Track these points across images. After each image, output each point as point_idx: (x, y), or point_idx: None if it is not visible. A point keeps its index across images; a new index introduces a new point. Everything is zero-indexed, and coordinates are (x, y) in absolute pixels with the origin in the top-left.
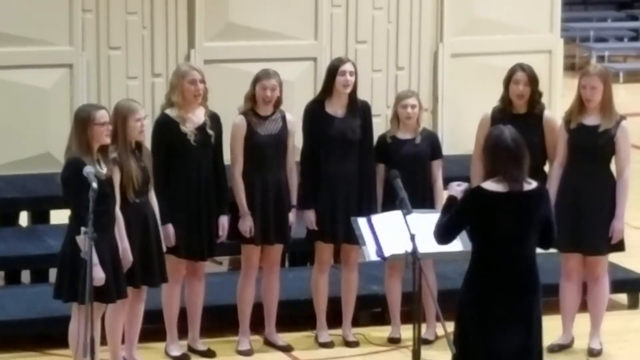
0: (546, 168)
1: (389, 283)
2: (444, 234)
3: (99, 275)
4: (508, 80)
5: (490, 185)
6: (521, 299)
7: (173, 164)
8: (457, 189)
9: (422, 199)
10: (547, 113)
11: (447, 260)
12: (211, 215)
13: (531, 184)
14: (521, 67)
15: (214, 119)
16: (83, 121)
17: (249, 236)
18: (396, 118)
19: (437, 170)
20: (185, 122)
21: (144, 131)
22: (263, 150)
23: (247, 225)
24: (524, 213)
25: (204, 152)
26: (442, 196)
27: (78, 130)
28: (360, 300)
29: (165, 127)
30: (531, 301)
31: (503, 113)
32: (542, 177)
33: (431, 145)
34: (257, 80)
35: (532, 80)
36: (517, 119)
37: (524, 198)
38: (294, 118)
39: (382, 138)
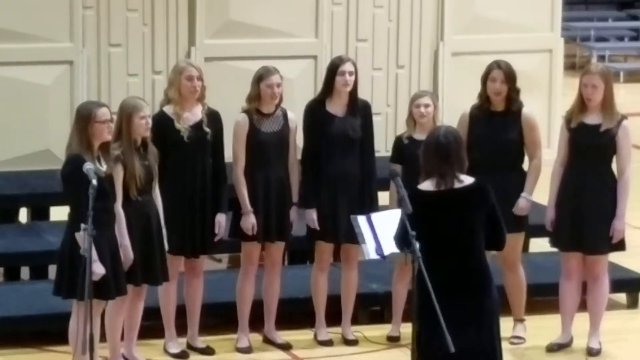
0: (525, 166)
1: (397, 283)
2: (400, 239)
3: (99, 270)
4: (485, 77)
5: (425, 185)
6: (467, 299)
7: (167, 160)
8: None
9: None
10: (525, 110)
11: None
12: (206, 213)
13: (465, 182)
14: (498, 64)
15: (213, 117)
16: (84, 118)
17: (251, 234)
18: (412, 118)
19: None
20: (180, 119)
21: (149, 128)
22: (266, 147)
23: (249, 223)
24: (459, 211)
25: (199, 150)
26: None
27: (79, 127)
28: (359, 299)
29: (160, 124)
30: (480, 302)
31: (481, 110)
32: (520, 175)
33: None
34: (260, 79)
35: (509, 77)
36: (495, 116)
37: (457, 196)
38: (295, 116)
39: (399, 139)
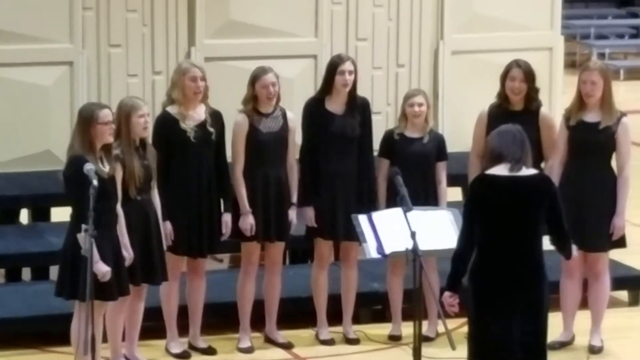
0: (542, 165)
1: (391, 280)
2: (464, 230)
3: (103, 269)
4: (504, 76)
5: (493, 171)
6: (524, 289)
7: (173, 161)
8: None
9: (425, 199)
10: (543, 110)
11: (448, 257)
12: (212, 213)
13: (531, 171)
14: (517, 63)
15: (215, 117)
16: (86, 120)
17: (249, 234)
18: (404, 116)
19: (442, 171)
20: (185, 119)
21: (147, 128)
22: (265, 147)
23: (248, 223)
24: (523, 197)
25: (204, 150)
26: (445, 198)
27: (81, 129)
28: (360, 298)
29: (165, 124)
30: (536, 292)
31: (500, 109)
32: None
33: (438, 146)
34: (255, 79)
35: (529, 76)
36: (513, 115)
37: (524, 182)
38: (294, 115)
39: (390, 134)
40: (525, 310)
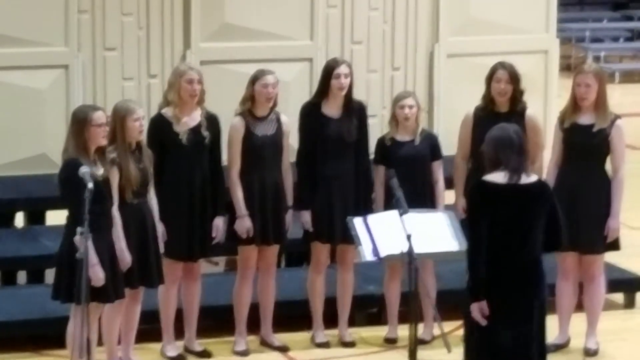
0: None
1: (389, 284)
2: (471, 238)
3: (99, 275)
4: (490, 78)
5: (491, 177)
6: (524, 294)
7: (165, 163)
8: None
9: (423, 200)
10: (529, 111)
11: (443, 260)
12: (205, 216)
13: (530, 178)
14: (502, 65)
15: (211, 120)
16: (80, 122)
17: (246, 237)
18: (394, 119)
19: (438, 170)
20: (179, 122)
21: (143, 131)
22: (261, 151)
23: (244, 226)
24: (524, 205)
25: (197, 153)
26: (443, 197)
27: (75, 131)
28: (356, 301)
29: (159, 127)
30: (535, 296)
31: (485, 112)
32: None
33: (430, 146)
34: (255, 79)
35: (513, 78)
36: (499, 117)
37: (524, 191)
38: (289, 119)
39: (381, 140)
40: (529, 313)
